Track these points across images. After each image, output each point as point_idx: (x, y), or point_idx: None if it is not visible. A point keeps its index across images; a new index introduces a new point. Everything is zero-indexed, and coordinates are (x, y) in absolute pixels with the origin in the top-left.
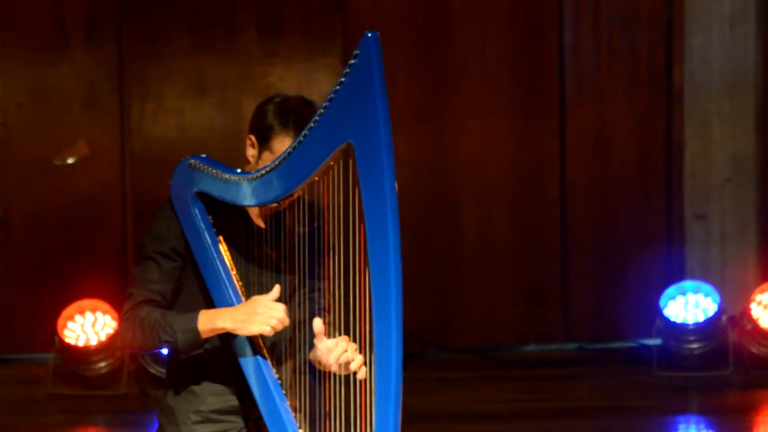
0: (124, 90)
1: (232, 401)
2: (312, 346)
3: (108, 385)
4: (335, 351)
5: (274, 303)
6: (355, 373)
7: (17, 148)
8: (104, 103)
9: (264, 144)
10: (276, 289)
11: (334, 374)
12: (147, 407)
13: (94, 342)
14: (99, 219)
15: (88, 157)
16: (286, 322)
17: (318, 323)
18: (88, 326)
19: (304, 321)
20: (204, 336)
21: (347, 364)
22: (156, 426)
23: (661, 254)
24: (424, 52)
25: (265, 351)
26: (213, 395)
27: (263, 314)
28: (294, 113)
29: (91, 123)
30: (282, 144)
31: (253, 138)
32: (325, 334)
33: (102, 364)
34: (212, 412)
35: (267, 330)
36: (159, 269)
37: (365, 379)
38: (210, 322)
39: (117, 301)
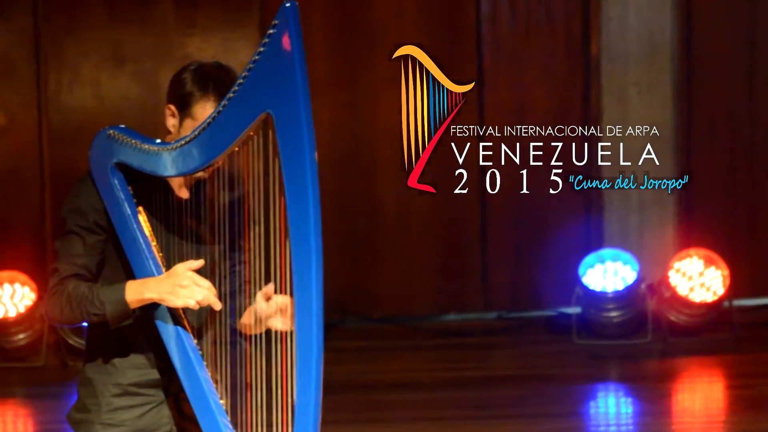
0: (40, 60)
1: (152, 375)
2: (238, 315)
3: (27, 357)
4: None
5: (199, 278)
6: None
7: None
8: (20, 74)
9: (184, 112)
10: (199, 260)
11: (256, 345)
12: (66, 379)
13: (12, 314)
14: (16, 190)
15: (5, 128)
16: (212, 297)
17: (269, 286)
18: (6, 298)
19: (226, 294)
20: (132, 307)
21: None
22: (75, 398)
23: (580, 223)
24: (343, 21)
25: (186, 323)
26: (133, 368)
27: (189, 288)
28: (212, 78)
29: (7, 94)
30: (203, 110)
31: (173, 107)
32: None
33: (21, 336)
34: (131, 385)
35: (191, 304)
36: (83, 243)
37: (286, 350)
38: (138, 292)
39: (35, 273)
